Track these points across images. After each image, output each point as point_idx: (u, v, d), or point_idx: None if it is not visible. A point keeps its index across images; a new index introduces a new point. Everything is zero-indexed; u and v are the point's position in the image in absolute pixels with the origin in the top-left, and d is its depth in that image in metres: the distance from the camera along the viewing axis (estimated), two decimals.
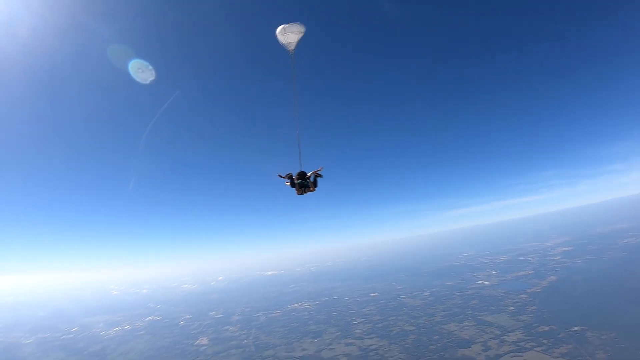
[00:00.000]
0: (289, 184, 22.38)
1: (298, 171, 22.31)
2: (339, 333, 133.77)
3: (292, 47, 20.41)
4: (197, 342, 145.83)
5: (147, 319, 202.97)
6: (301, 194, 22.31)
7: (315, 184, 22.23)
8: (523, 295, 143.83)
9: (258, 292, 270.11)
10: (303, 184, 21.98)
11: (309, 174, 22.20)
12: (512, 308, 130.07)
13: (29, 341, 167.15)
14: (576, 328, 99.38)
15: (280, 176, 22.35)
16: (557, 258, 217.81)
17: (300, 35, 20.29)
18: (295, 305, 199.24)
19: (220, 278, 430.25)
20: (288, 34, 20.11)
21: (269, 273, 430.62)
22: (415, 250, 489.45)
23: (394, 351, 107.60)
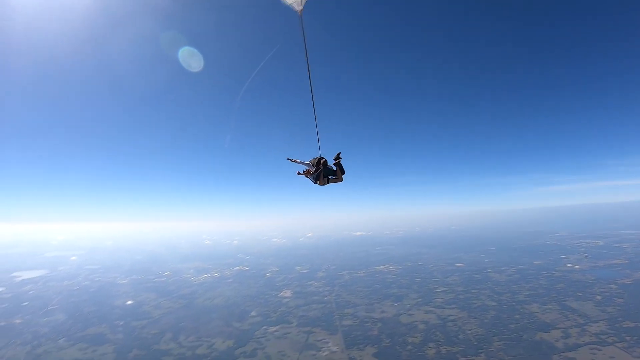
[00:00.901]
0: (303, 173, 20.24)
1: (317, 157, 19.69)
2: (419, 299, 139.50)
3: (299, 6, 16.50)
4: (281, 294, 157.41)
5: (236, 268, 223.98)
6: (324, 184, 19.76)
7: (342, 170, 20.07)
8: (612, 285, 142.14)
9: (345, 251, 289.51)
10: (330, 171, 19.67)
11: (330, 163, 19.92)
12: (599, 297, 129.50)
13: (124, 281, 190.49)
14: None
15: (292, 160, 20.25)
16: None
17: None
18: (380, 267, 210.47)
19: (309, 234, 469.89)
20: None
21: (357, 234, 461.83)
22: (505, 224, 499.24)
23: (472, 325, 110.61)
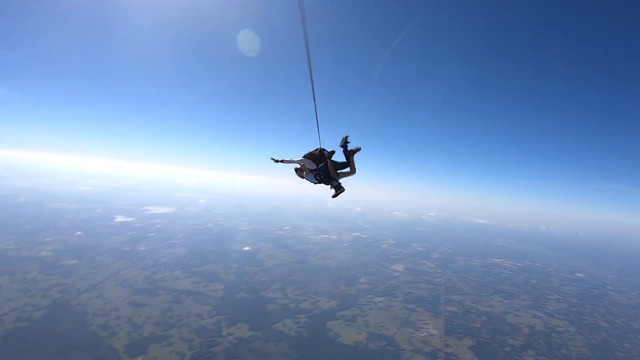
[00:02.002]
0: (297, 173, 18.48)
1: (316, 149, 17.84)
2: (530, 302, 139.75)
3: None
4: (393, 267, 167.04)
5: (354, 234, 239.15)
6: (332, 184, 17.93)
7: (348, 162, 17.98)
8: None
9: (464, 237, 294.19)
10: (336, 164, 17.88)
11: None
12: None
13: (245, 228, 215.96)
14: None
15: (277, 160, 17.22)
16: None
17: None
18: (497, 260, 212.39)
19: (431, 214, 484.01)
20: None
21: (480, 221, 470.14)
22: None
23: (578, 342, 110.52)
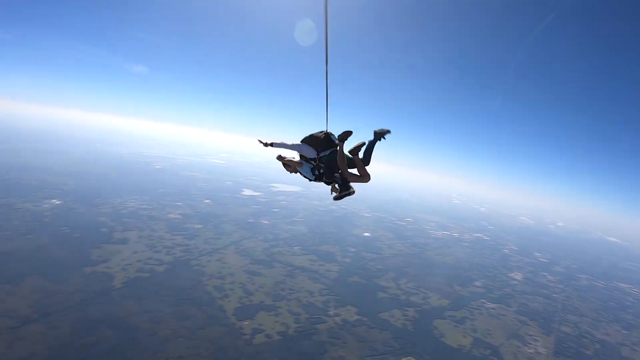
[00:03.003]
0: (286, 162, 13.37)
1: (320, 133, 13.06)
2: None
3: None
4: (511, 274, 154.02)
5: (476, 234, 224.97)
6: (332, 182, 13.17)
7: (361, 158, 12.97)
8: None
9: (591, 254, 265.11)
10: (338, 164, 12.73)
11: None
12: None
13: (367, 215, 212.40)
14: None
15: (266, 144, 12.69)
16: None
17: None
18: (623, 285, 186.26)
19: (560, 223, 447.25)
20: None
21: (611, 239, 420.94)
22: None
23: None
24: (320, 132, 12.83)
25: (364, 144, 12.61)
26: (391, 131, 12.57)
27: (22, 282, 75.68)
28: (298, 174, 13.44)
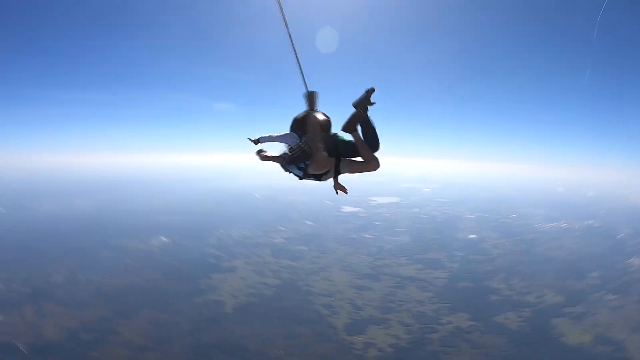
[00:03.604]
0: (272, 159, 10.81)
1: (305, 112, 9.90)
2: None
3: None
4: (630, 260, 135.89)
5: (586, 222, 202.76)
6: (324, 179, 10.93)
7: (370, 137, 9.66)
8: None
9: None
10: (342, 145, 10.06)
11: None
12: None
13: (470, 216, 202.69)
14: None
15: (255, 141, 9.86)
16: None
17: None
18: None
19: None
20: None
21: None
22: None
23: None
24: (305, 112, 9.84)
25: (360, 113, 9.17)
26: (375, 88, 9.03)
27: (136, 316, 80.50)
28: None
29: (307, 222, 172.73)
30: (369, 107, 9.18)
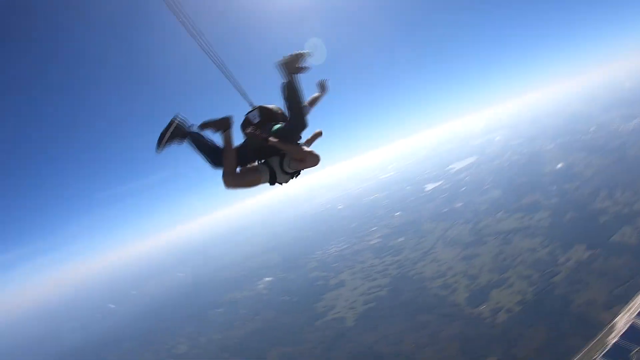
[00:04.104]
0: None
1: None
2: None
3: None
4: None
5: None
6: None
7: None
8: None
9: None
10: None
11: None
12: None
13: (550, 147, 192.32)
14: None
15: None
16: None
17: None
18: None
19: None
20: None
21: None
22: None
23: None
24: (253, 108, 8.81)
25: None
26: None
27: (266, 357, 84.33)
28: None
29: (396, 214, 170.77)
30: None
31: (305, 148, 8.43)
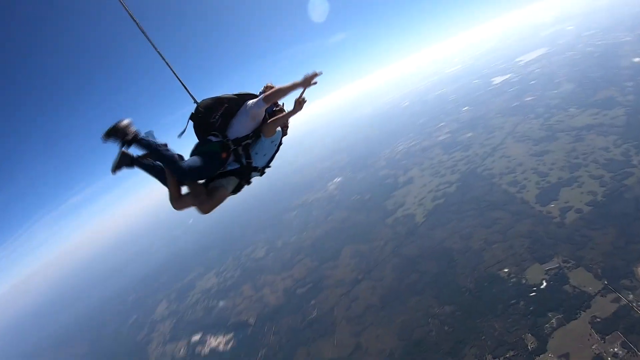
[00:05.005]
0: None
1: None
2: None
3: None
4: None
5: None
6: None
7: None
8: None
9: None
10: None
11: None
12: None
13: (627, 38, 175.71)
14: None
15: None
16: None
17: None
18: None
19: None
20: None
21: None
22: None
23: None
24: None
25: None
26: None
27: (340, 255, 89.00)
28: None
29: (464, 108, 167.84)
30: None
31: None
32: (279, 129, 8.72)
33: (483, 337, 48.56)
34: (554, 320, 46.41)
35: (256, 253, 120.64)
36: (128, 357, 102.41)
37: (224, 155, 7.91)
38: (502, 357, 45.07)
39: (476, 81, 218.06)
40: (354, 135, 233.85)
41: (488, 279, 57.82)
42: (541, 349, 43.73)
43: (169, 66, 7.77)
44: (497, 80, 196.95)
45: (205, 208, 7.67)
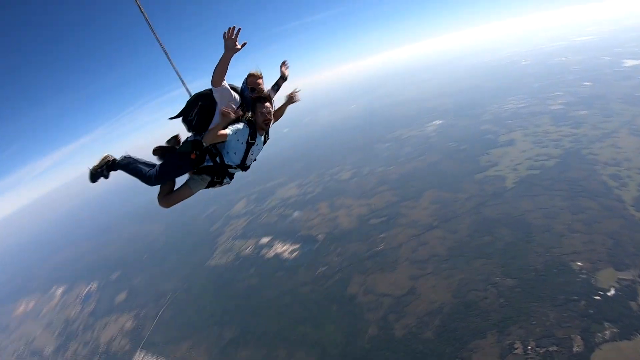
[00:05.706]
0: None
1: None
2: None
3: None
4: None
5: None
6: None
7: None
8: None
9: None
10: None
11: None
12: None
13: None
14: None
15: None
16: None
17: None
18: None
19: None
20: None
21: None
22: None
23: None
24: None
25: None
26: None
27: (421, 197, 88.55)
28: None
29: (586, 83, 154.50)
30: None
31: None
32: (237, 128, 8.37)
33: (534, 322, 47.38)
34: (607, 332, 43.61)
35: (341, 175, 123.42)
36: (197, 243, 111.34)
37: (193, 155, 8.41)
38: (545, 349, 43.75)
39: (605, 58, 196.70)
40: (466, 82, 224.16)
41: (559, 266, 55.34)
42: (585, 356, 41.59)
43: (172, 66, 8.49)
44: (629, 63, 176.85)
45: (163, 204, 8.96)
